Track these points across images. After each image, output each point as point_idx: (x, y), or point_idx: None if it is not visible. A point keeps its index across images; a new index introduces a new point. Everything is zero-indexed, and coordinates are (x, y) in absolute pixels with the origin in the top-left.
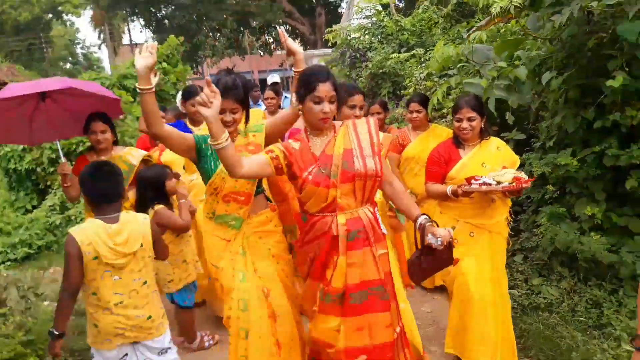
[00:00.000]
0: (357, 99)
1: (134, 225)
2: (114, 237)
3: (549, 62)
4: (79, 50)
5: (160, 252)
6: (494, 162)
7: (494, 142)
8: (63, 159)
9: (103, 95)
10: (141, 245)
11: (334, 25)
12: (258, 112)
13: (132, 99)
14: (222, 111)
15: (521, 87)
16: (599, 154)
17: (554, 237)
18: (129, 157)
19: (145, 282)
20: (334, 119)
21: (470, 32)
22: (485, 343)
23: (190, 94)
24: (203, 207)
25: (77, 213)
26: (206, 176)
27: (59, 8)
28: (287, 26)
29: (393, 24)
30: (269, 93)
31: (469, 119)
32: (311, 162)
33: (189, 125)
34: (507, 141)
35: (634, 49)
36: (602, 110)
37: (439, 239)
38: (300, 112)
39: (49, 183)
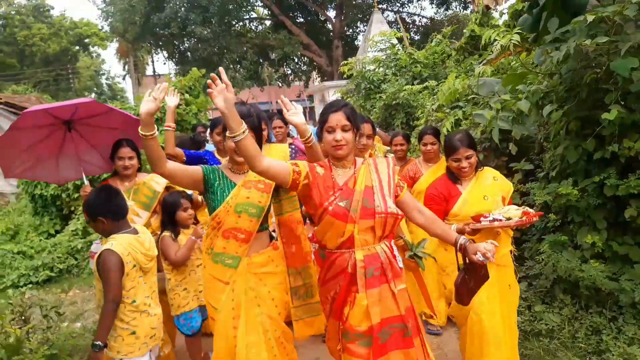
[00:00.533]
0: (366, 127)
1: (146, 233)
2: (143, 244)
3: (551, 95)
4: (103, 81)
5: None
6: (493, 193)
7: (489, 173)
8: (86, 183)
9: (126, 116)
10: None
11: (349, 58)
12: (281, 148)
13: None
14: None
15: (524, 119)
16: (599, 184)
17: (556, 264)
18: (153, 183)
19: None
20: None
21: (480, 65)
22: None
23: (214, 125)
24: (203, 242)
25: (98, 237)
26: (211, 208)
27: (86, 40)
28: (305, 58)
29: (406, 57)
30: (277, 122)
31: (467, 157)
32: (332, 190)
33: (217, 155)
34: (515, 171)
35: (627, 84)
36: (602, 142)
37: (485, 253)
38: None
39: (72, 208)
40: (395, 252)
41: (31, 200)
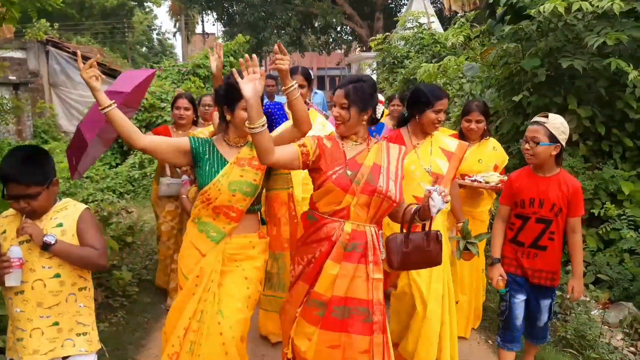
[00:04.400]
0: (446, 102)
1: None
2: None
3: (490, 81)
4: (154, 36)
5: None
6: (488, 160)
7: (491, 142)
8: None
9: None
10: None
11: (376, 34)
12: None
13: (203, 85)
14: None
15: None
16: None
17: None
18: (202, 136)
19: None
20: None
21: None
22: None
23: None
24: (192, 211)
25: (152, 171)
26: (199, 182)
27: None
28: (347, 28)
29: (428, 37)
30: (268, 81)
31: (477, 121)
32: (340, 162)
33: (286, 109)
34: None
35: (533, 76)
36: (526, 118)
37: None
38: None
39: None
40: (381, 242)
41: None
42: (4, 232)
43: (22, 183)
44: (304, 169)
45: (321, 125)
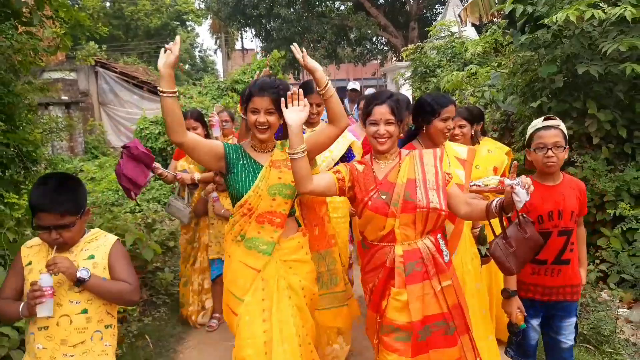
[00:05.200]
0: (452, 109)
1: None
2: None
3: (512, 88)
4: (196, 53)
5: None
6: (485, 164)
7: (485, 146)
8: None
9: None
10: None
11: (409, 45)
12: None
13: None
14: (255, 110)
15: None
16: None
17: None
18: None
19: None
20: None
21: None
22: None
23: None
24: (227, 230)
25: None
26: (235, 190)
27: (184, 17)
28: (382, 38)
29: (459, 45)
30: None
31: (460, 126)
32: (372, 185)
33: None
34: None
35: (550, 83)
36: None
37: (521, 191)
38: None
39: None
40: (442, 247)
41: None
42: (29, 263)
43: (55, 212)
44: (340, 195)
45: (342, 136)
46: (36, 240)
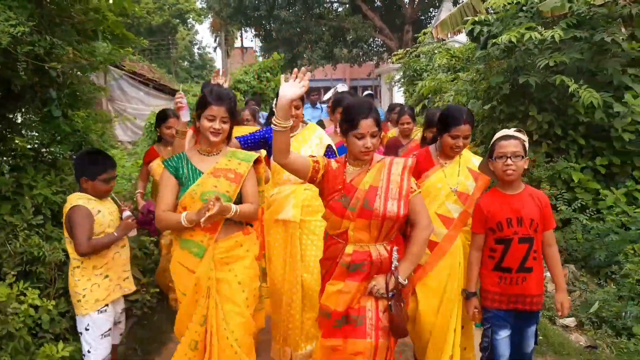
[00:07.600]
0: (465, 128)
1: None
2: None
3: (474, 93)
4: (195, 51)
5: None
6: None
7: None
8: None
9: None
10: None
11: (406, 47)
12: (311, 128)
13: (243, 99)
14: (212, 118)
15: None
16: None
17: None
18: None
19: None
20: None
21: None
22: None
23: (164, 118)
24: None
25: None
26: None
27: (185, 15)
28: (378, 40)
29: (444, 51)
30: (405, 118)
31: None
32: (338, 186)
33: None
34: None
35: (499, 90)
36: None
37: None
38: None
39: None
40: (395, 256)
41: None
42: (99, 211)
43: (114, 168)
44: (310, 182)
45: (318, 139)
46: (84, 195)
